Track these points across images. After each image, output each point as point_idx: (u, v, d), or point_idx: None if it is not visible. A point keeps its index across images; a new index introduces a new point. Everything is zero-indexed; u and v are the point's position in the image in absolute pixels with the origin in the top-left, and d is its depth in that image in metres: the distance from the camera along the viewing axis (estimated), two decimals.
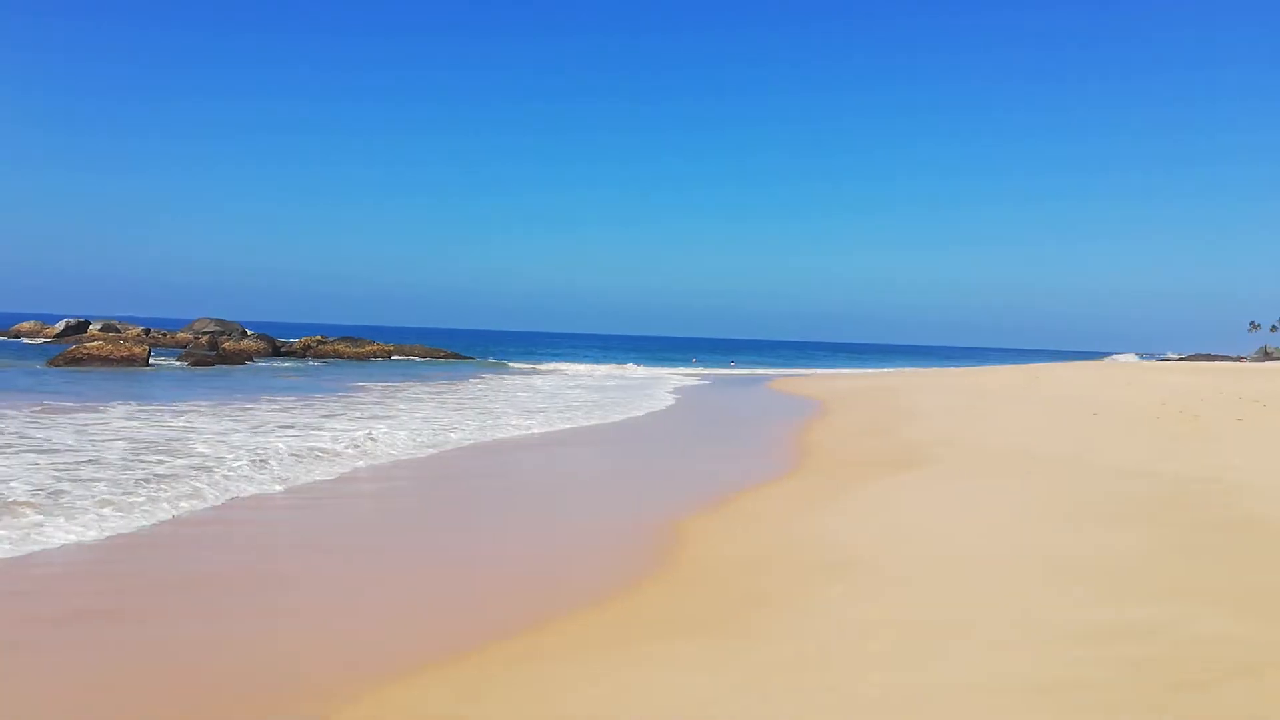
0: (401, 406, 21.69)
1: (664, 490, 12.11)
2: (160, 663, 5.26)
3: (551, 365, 57.16)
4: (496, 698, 4.70)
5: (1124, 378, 33.60)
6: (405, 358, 54.56)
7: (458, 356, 58.71)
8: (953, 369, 57.34)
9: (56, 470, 10.79)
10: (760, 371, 61.16)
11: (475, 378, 38.38)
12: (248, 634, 5.80)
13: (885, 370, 60.64)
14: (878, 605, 6.09)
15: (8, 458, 11.61)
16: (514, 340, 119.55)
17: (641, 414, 23.70)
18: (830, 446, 16.33)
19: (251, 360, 44.49)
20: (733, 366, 69.61)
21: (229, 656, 5.38)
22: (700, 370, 59.72)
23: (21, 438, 13.52)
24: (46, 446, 12.69)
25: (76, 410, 17.67)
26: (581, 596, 6.61)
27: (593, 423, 20.92)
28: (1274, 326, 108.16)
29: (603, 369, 55.85)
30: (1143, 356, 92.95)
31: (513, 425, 18.90)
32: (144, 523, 8.62)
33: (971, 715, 4.22)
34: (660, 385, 38.21)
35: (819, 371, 62.01)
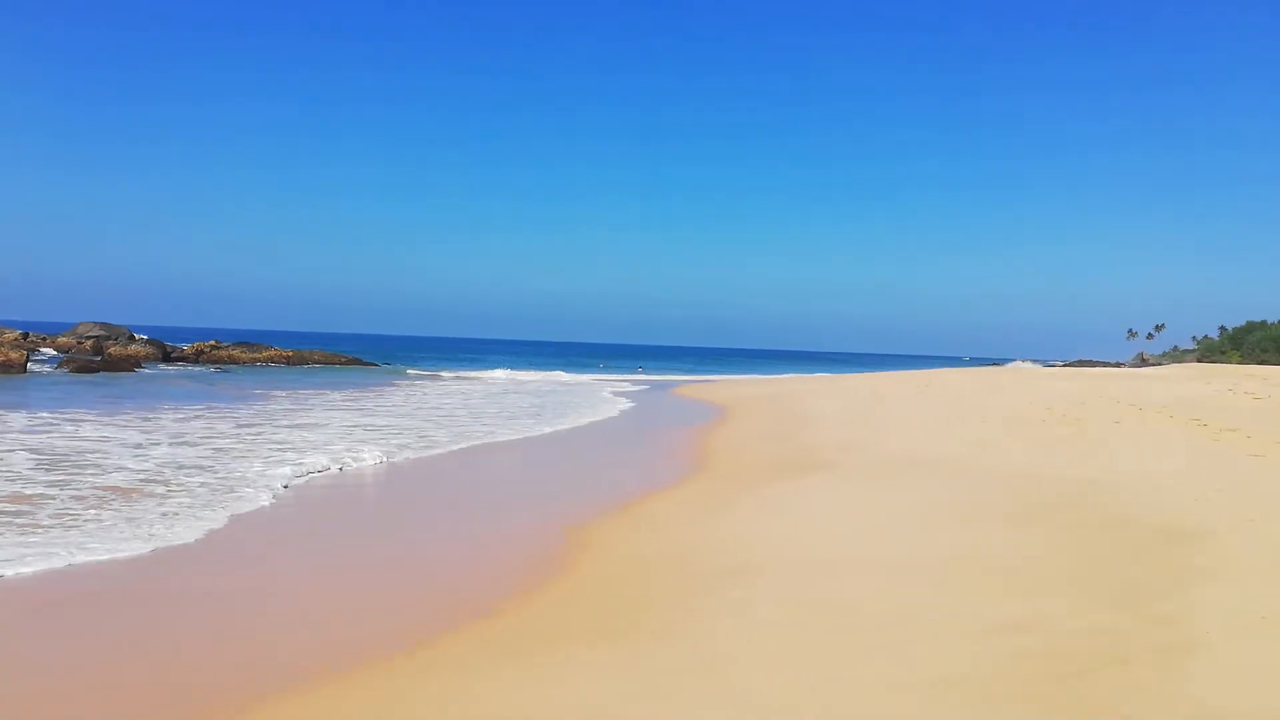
0: (310, 418, 21.03)
1: (564, 496, 12.07)
2: (36, 680, 4.96)
3: (462, 372, 56.14)
4: (395, 711, 4.59)
5: (1011, 383, 35.08)
6: (306, 365, 52.72)
7: (360, 363, 56.87)
8: (853, 375, 58.89)
9: None
10: (669, 378, 61.63)
11: (389, 385, 37.58)
12: (130, 649, 5.52)
13: (788, 376, 61.84)
14: (776, 607, 6.19)
15: None
16: (425, 346, 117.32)
17: (550, 429, 23.61)
18: (731, 452, 16.57)
19: (141, 366, 42.39)
20: (640, 373, 69.97)
21: (103, 671, 5.11)
22: (608, 376, 59.82)
23: None
24: None
25: None
26: (476, 606, 6.52)
27: (499, 435, 20.72)
28: (1149, 334, 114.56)
29: (524, 375, 55.34)
30: (1044, 364, 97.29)
31: (427, 437, 18.54)
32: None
33: (867, 711, 4.33)
34: (570, 393, 38.11)
35: (724, 378, 62.83)
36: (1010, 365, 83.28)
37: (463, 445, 17.07)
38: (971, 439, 16.08)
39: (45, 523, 8.59)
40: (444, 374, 53.25)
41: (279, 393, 27.75)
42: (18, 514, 8.88)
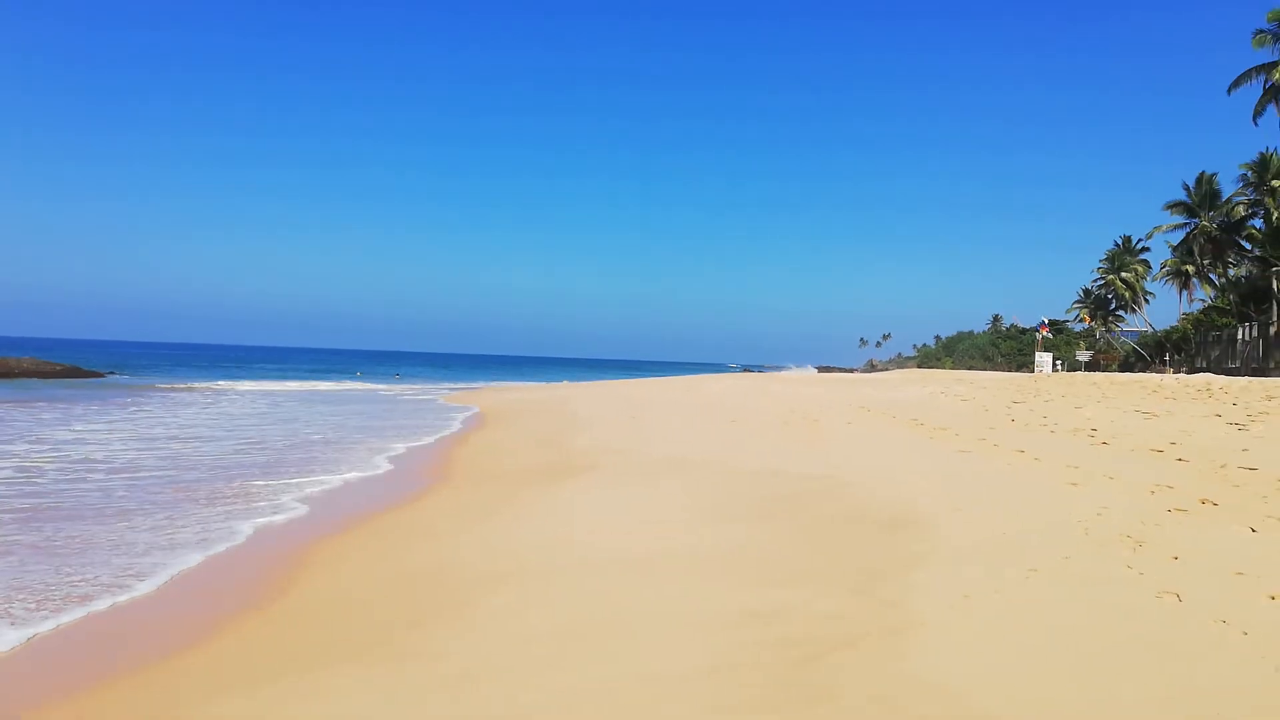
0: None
1: (311, 509, 11.49)
2: None
3: (216, 383, 51.61)
4: None
5: (761, 388, 37.42)
6: (14, 377, 46.12)
7: (79, 372, 51.02)
8: (620, 381, 60.36)
9: None
10: (431, 385, 60.21)
11: (117, 398, 33.89)
12: None
13: (557, 383, 62.36)
14: (542, 612, 6.24)
15: None
16: (166, 353, 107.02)
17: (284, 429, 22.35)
18: (496, 457, 16.50)
19: None
20: (398, 379, 67.89)
21: None
22: (364, 385, 57.51)
23: None
24: None
25: None
26: (210, 631, 6.08)
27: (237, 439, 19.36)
28: (878, 343, 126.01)
29: (279, 386, 51.79)
30: (820, 369, 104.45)
31: (161, 447, 16.94)
32: None
33: (629, 707, 4.47)
34: (309, 403, 36.24)
35: (490, 384, 62.35)
36: (784, 372, 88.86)
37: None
38: (727, 441, 16.98)
39: None
40: (194, 386, 48.84)
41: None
42: None
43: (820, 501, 10.03)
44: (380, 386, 56.10)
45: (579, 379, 72.52)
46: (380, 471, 15.22)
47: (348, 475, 14.41)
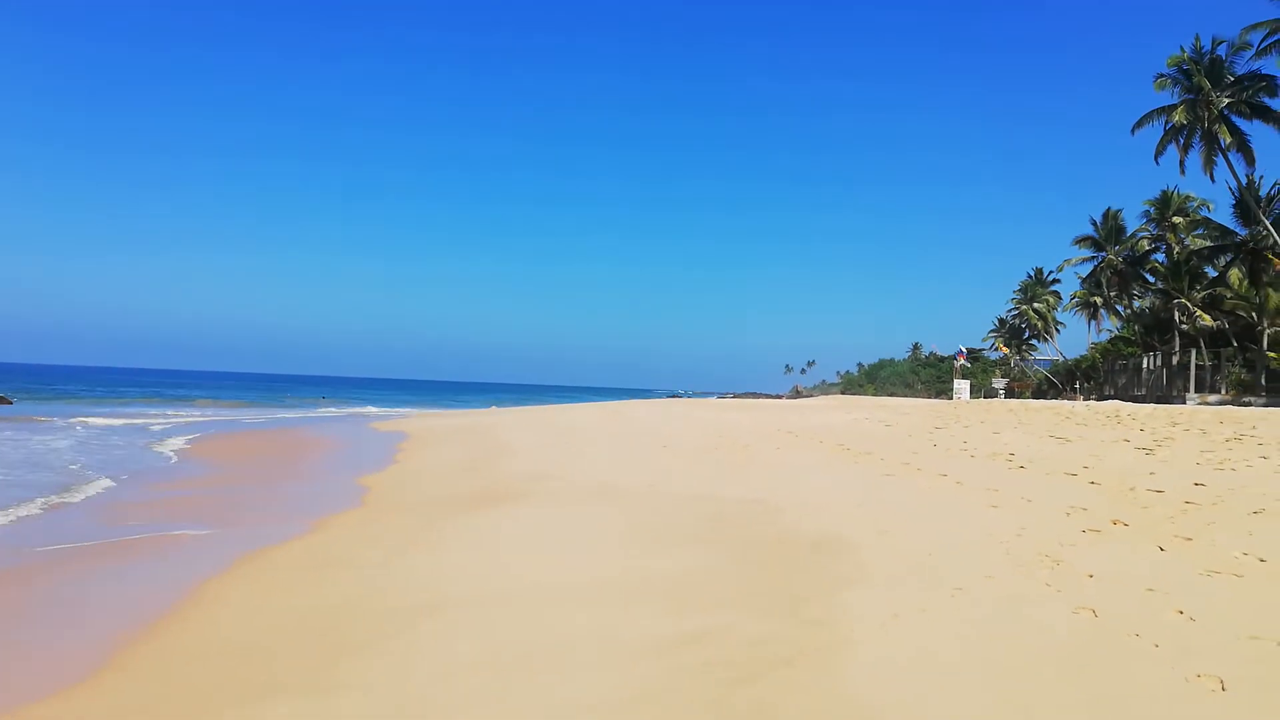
0: None
1: (247, 533, 11.13)
2: None
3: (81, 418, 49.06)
4: None
5: (688, 414, 37.65)
6: None
7: None
8: (545, 406, 60.07)
9: None
10: (355, 409, 59.02)
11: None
12: None
13: (484, 409, 61.76)
14: (471, 642, 6.15)
15: None
16: (66, 377, 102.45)
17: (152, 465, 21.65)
18: (424, 484, 16.23)
19: None
20: (324, 403, 66.46)
21: None
22: (290, 412, 56.05)
23: None
24: None
25: None
26: (114, 665, 5.83)
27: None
28: (803, 369, 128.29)
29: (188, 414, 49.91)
30: (743, 396, 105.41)
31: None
32: None
33: None
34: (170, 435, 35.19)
35: (420, 410, 61.38)
36: (711, 399, 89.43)
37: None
38: (657, 466, 17.03)
39: None
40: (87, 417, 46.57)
41: None
42: None
43: (751, 526, 10.13)
44: (302, 413, 54.63)
45: (506, 404, 71.98)
46: (300, 496, 14.82)
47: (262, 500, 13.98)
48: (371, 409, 61.59)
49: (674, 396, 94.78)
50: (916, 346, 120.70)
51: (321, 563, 9.27)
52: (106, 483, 16.53)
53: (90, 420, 35.68)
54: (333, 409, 60.53)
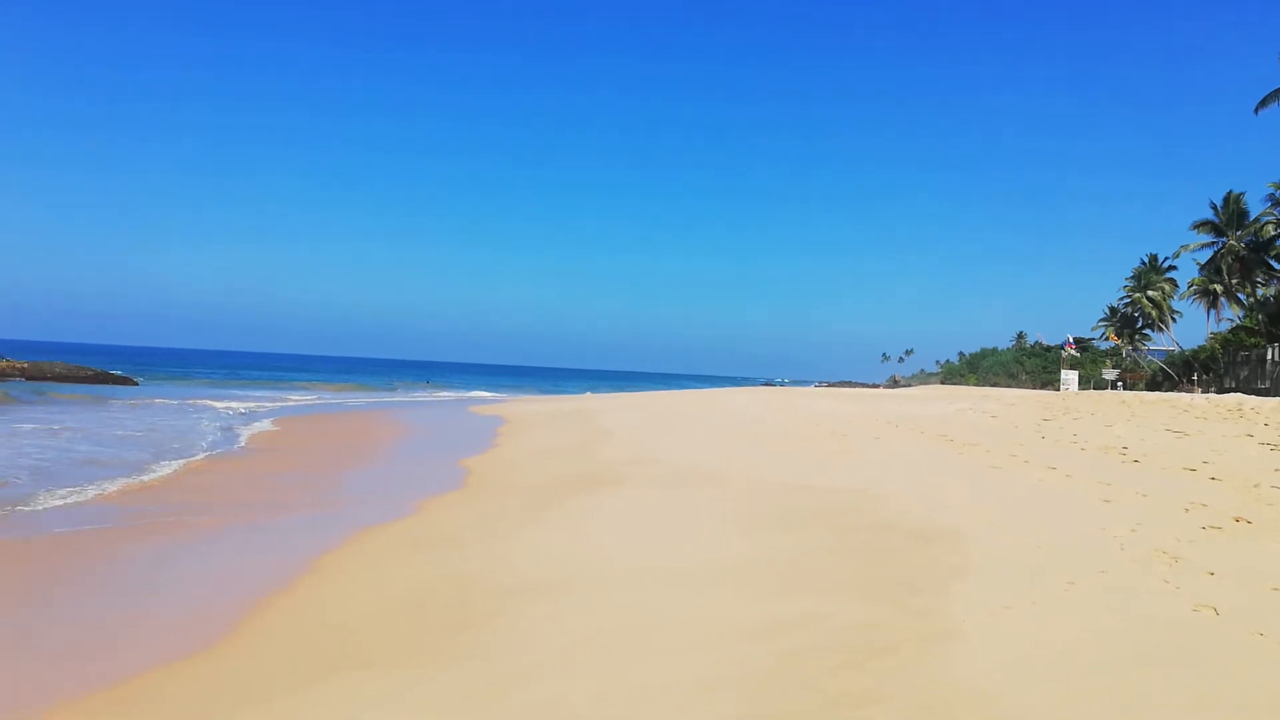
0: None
1: (359, 510, 11.64)
2: None
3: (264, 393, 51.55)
4: None
5: (785, 402, 37.38)
6: (46, 379, 46.60)
7: (111, 378, 51.20)
8: (638, 393, 60.49)
9: None
10: (461, 394, 60.63)
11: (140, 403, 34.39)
12: None
13: (579, 395, 62.59)
14: (580, 620, 6.35)
15: None
16: (195, 360, 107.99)
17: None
18: (524, 468, 16.63)
19: None
20: (429, 387, 68.53)
21: None
22: (395, 396, 57.94)
23: None
24: None
25: None
26: (249, 631, 6.22)
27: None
28: (900, 358, 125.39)
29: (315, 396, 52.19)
30: (837, 385, 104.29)
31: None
32: None
33: (669, 710, 4.57)
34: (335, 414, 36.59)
35: (517, 396, 62.63)
36: (807, 386, 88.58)
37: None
38: (753, 454, 17.04)
39: None
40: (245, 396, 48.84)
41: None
42: None
43: (850, 514, 10.08)
44: (408, 397, 56.49)
45: (601, 391, 72.69)
46: (404, 477, 15.39)
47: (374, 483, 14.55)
48: (475, 393, 63.23)
49: (769, 384, 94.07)
50: (1021, 335, 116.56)
51: (429, 541, 9.64)
52: (219, 459, 17.49)
53: (204, 401, 37.56)
54: (439, 393, 62.31)
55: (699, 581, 7.29)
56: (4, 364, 46.94)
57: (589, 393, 67.73)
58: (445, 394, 61.37)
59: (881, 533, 8.90)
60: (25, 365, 47.90)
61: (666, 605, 6.60)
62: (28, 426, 21.57)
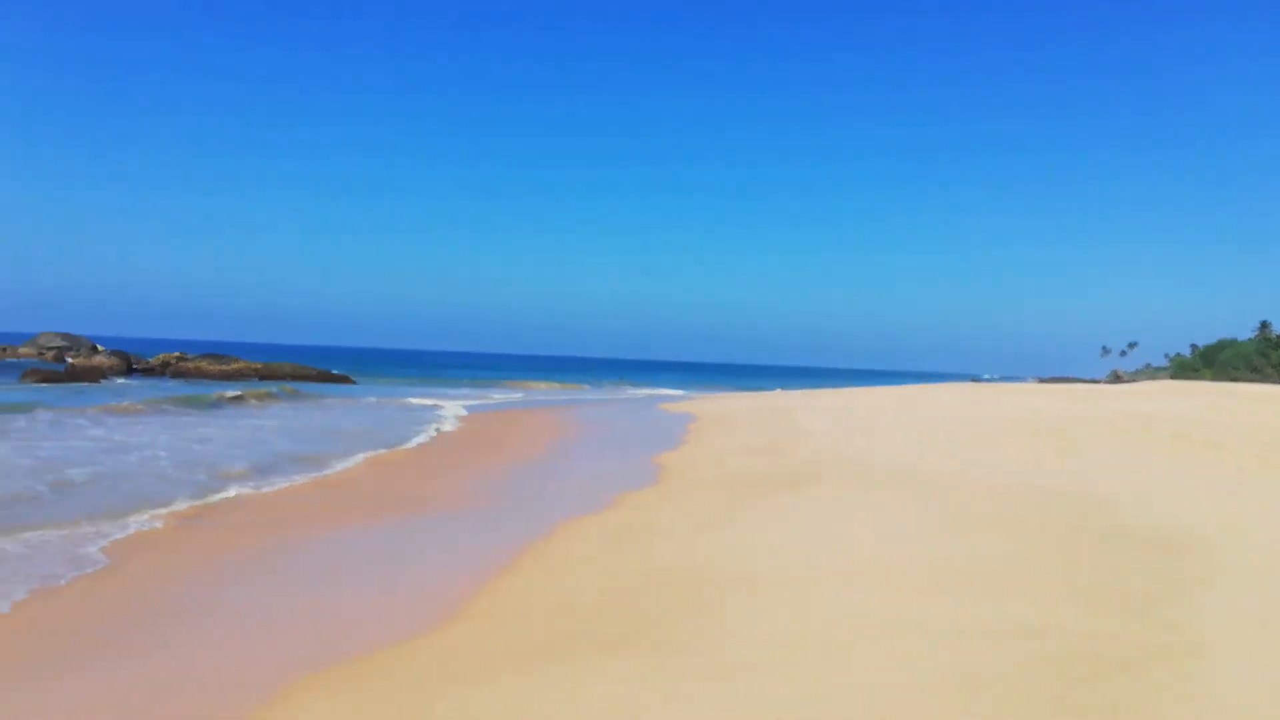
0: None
1: (560, 502, 11.97)
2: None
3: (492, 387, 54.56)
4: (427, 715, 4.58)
5: (994, 398, 35.38)
6: (277, 379, 51.24)
7: (331, 377, 55.56)
8: (834, 390, 59.11)
9: None
10: (652, 391, 61.71)
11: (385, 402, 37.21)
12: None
13: (770, 391, 62.02)
14: (789, 617, 6.23)
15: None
16: (402, 361, 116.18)
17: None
18: (718, 464, 16.58)
19: (106, 378, 41.54)
20: (622, 385, 70.19)
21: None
22: (592, 396, 59.71)
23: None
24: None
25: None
26: (489, 615, 6.48)
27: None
28: (1123, 351, 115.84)
29: (544, 388, 54.94)
30: (1044, 380, 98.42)
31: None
32: None
33: (888, 712, 4.35)
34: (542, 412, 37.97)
35: (707, 393, 62.91)
36: (1018, 383, 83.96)
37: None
38: (961, 453, 16.20)
39: None
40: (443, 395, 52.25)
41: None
42: None
43: (1075, 518, 9.34)
44: (604, 394, 58.07)
45: (793, 387, 71.69)
46: (601, 472, 15.70)
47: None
48: (663, 390, 64.12)
49: (974, 381, 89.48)
50: (1265, 325, 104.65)
51: (631, 534, 9.75)
52: (428, 449, 18.57)
53: (415, 400, 40.09)
54: (630, 390, 63.63)
55: (912, 584, 6.98)
56: (242, 365, 52.08)
57: (780, 389, 66.94)
58: (635, 391, 62.54)
59: (1113, 539, 8.18)
60: (260, 366, 52.91)
61: (880, 606, 6.35)
62: (272, 424, 23.83)
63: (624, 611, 6.57)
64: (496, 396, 48.39)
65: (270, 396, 33.16)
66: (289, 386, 40.89)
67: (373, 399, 38.53)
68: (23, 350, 52.37)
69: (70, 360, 44.54)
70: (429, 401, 37.95)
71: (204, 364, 50.22)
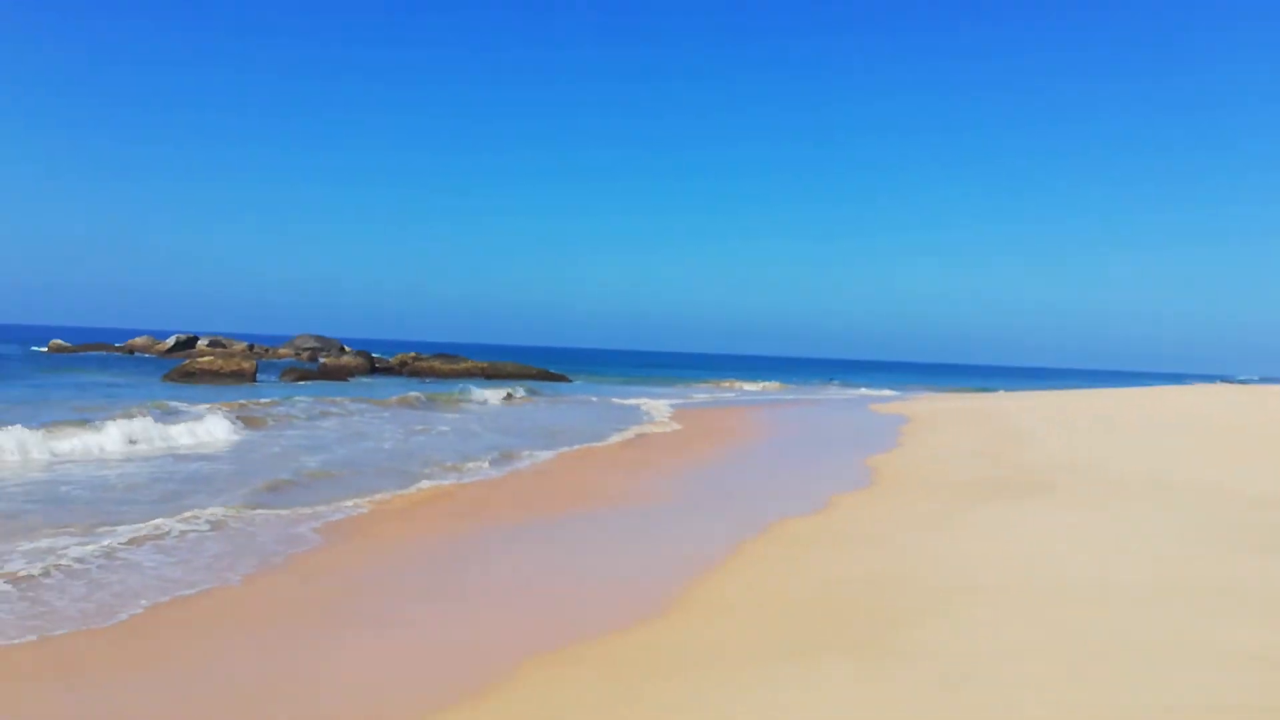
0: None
1: (771, 502, 11.91)
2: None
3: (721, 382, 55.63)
4: (641, 708, 4.72)
5: (1253, 402, 31.82)
6: (501, 377, 54.48)
7: (549, 375, 58.23)
8: (1056, 391, 55.23)
9: None
10: (862, 391, 60.28)
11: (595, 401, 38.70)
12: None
13: (989, 392, 58.86)
14: (1024, 629, 5.91)
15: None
16: (616, 360, 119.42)
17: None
18: (933, 468, 15.92)
19: (352, 375, 45.38)
20: (830, 384, 69.04)
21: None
22: (800, 395, 59.11)
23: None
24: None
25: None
26: (707, 609, 6.57)
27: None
28: None
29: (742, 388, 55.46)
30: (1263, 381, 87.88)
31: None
32: None
33: None
34: (748, 413, 37.90)
35: (920, 394, 60.56)
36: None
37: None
38: (1209, 460, 14.73)
39: None
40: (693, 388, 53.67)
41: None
42: None
43: None
44: (813, 395, 57.33)
45: (1014, 389, 67.61)
46: (813, 473, 15.47)
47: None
48: (875, 390, 62.42)
49: (1223, 382, 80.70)
50: None
51: (846, 536, 9.56)
52: (640, 442, 19.00)
53: (630, 400, 41.18)
54: (842, 391, 62.38)
55: (1159, 601, 6.43)
56: (470, 364, 55.65)
57: (1001, 390, 63.38)
58: (847, 391, 61.16)
59: None
60: (485, 365, 56.38)
61: (1127, 622, 5.90)
62: (511, 418, 25.29)
63: (849, 615, 6.46)
64: (703, 396, 48.90)
65: (514, 397, 35.41)
66: (529, 386, 43.39)
67: (593, 397, 39.96)
68: (282, 351, 58.50)
69: (322, 360, 49.13)
70: (639, 400, 38.87)
71: (436, 363, 54.24)
